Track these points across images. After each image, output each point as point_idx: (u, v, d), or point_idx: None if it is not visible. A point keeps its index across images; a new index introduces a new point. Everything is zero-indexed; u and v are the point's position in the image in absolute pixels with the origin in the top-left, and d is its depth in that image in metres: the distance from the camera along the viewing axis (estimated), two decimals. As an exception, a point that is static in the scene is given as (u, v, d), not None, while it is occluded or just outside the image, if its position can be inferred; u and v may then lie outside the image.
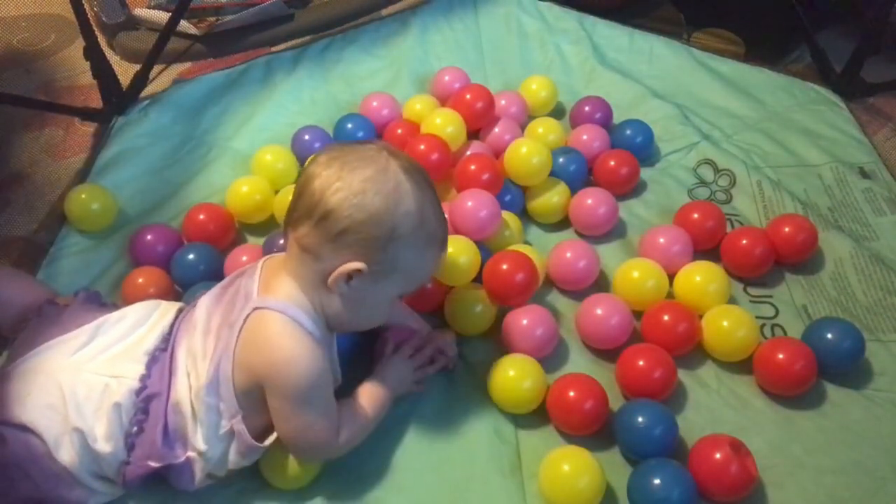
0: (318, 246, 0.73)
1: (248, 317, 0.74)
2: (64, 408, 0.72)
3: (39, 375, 0.74)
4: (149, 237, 1.01)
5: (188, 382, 0.75)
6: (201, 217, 1.03)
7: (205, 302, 0.80)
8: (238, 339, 0.74)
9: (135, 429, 0.74)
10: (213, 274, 0.97)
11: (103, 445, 0.73)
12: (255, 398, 0.74)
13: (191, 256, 0.98)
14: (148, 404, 0.74)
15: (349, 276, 0.73)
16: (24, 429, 0.72)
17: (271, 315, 0.73)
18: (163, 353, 0.77)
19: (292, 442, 0.76)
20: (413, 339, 0.88)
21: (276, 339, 0.73)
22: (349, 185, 0.71)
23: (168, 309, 0.82)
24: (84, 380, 0.74)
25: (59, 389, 0.73)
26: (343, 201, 0.71)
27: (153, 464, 0.74)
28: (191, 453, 0.75)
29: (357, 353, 0.90)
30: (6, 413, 0.73)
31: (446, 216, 0.83)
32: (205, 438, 0.75)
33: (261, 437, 0.76)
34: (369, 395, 0.81)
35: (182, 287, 0.97)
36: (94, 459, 0.74)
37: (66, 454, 0.72)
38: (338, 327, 0.79)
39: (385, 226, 0.72)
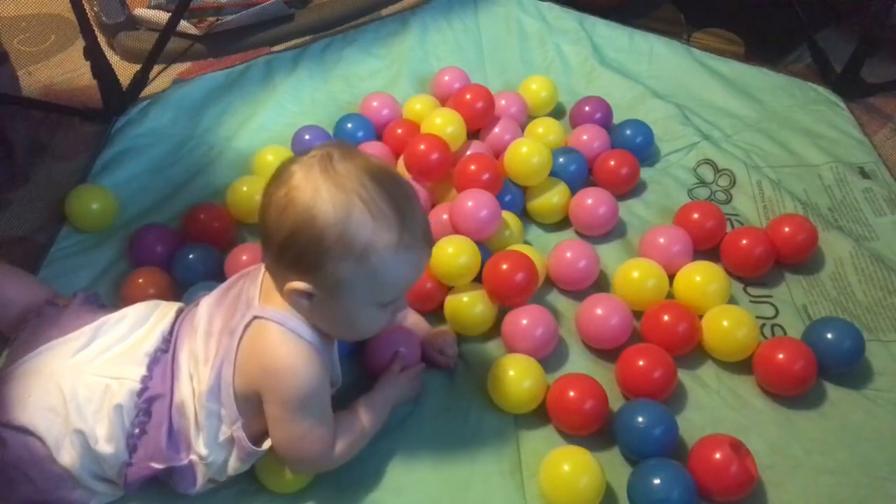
0: (271, 267, 0.73)
1: (248, 324, 0.73)
2: (65, 409, 0.72)
3: (40, 377, 0.74)
4: (148, 237, 1.01)
5: (191, 386, 0.75)
6: (201, 217, 1.03)
7: (206, 303, 0.79)
8: (239, 346, 0.73)
9: (136, 430, 0.74)
10: (214, 274, 0.97)
11: (104, 447, 0.73)
12: (254, 405, 0.74)
13: (191, 256, 0.98)
14: (150, 405, 0.74)
15: (305, 294, 0.70)
16: (25, 431, 0.72)
17: (270, 325, 0.73)
18: (164, 354, 0.77)
19: (287, 451, 0.75)
20: (421, 365, 0.89)
21: (274, 347, 0.72)
22: (274, 202, 0.68)
23: (167, 310, 0.82)
24: (85, 381, 0.74)
25: (59, 391, 0.73)
26: (269, 220, 0.69)
27: (156, 465, 0.74)
28: (193, 456, 0.75)
29: (356, 354, 0.90)
30: (7, 415, 0.73)
31: (428, 215, 0.80)
32: (205, 443, 0.75)
33: (258, 441, 0.76)
34: (369, 408, 0.81)
35: (183, 287, 0.97)
36: (95, 461, 0.74)
37: (67, 456, 0.72)
38: (335, 338, 0.78)
39: (304, 241, 0.67)
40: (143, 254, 1.00)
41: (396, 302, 0.75)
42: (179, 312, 0.82)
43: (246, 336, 0.73)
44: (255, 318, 0.73)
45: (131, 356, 0.77)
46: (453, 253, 0.92)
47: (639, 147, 1.17)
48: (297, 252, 0.68)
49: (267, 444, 0.76)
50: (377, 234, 0.67)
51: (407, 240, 0.69)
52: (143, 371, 0.75)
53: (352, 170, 0.68)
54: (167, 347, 0.78)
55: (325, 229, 0.66)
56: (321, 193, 0.66)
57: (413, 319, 0.93)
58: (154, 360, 0.77)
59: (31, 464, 0.72)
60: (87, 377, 0.74)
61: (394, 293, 0.73)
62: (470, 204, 0.98)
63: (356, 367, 0.89)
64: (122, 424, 0.74)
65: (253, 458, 0.77)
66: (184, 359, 0.76)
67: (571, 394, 0.83)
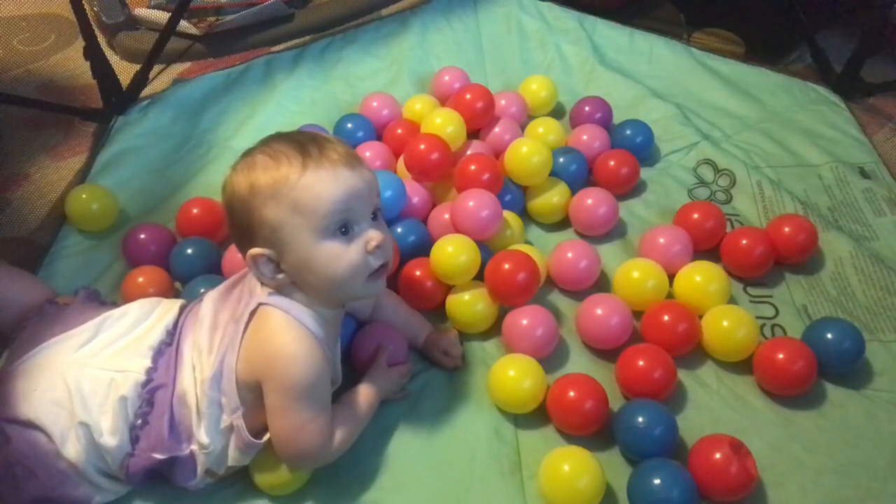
0: (243, 254, 0.75)
1: (253, 312, 0.74)
2: (70, 403, 0.73)
3: (45, 371, 0.75)
4: (141, 237, 1.01)
5: (193, 375, 0.75)
6: (195, 211, 1.03)
7: (211, 298, 0.80)
8: (244, 333, 0.74)
9: (139, 421, 0.74)
10: (212, 267, 0.97)
11: (109, 439, 0.73)
12: (255, 394, 0.75)
13: (189, 251, 0.98)
14: (153, 395, 0.75)
15: (265, 259, 0.73)
16: (30, 425, 0.72)
17: (275, 312, 0.74)
18: (168, 347, 0.78)
19: (286, 443, 0.75)
20: (407, 364, 0.89)
21: (278, 334, 0.73)
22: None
23: (171, 305, 0.83)
24: (89, 375, 0.74)
25: (64, 385, 0.73)
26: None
27: (158, 455, 0.74)
28: (194, 447, 0.75)
29: (346, 355, 0.90)
30: (11, 410, 0.73)
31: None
32: (206, 431, 0.75)
33: (259, 434, 0.76)
34: (362, 400, 0.81)
35: (181, 282, 0.97)
36: (99, 454, 0.74)
37: (73, 449, 0.73)
38: (328, 299, 0.77)
39: (235, 209, 0.74)
40: (138, 253, 1.00)
41: (350, 231, 0.73)
42: (182, 309, 0.82)
43: (252, 323, 0.74)
44: (261, 304, 0.74)
45: (135, 350, 0.77)
46: (453, 252, 0.92)
47: (639, 147, 1.17)
48: (236, 223, 0.75)
49: (266, 437, 0.76)
50: (280, 171, 0.72)
51: (312, 164, 0.72)
52: (147, 363, 0.76)
53: (260, 140, 0.77)
54: (171, 341, 0.78)
55: (241, 190, 0.73)
56: (235, 169, 0.75)
57: (415, 319, 0.94)
58: (158, 353, 0.77)
59: (35, 459, 0.72)
60: (92, 371, 0.75)
61: (326, 214, 0.71)
62: (471, 204, 0.98)
63: (348, 369, 0.89)
64: (125, 416, 0.74)
65: (252, 450, 0.77)
66: (187, 350, 0.77)
67: (571, 394, 0.83)
